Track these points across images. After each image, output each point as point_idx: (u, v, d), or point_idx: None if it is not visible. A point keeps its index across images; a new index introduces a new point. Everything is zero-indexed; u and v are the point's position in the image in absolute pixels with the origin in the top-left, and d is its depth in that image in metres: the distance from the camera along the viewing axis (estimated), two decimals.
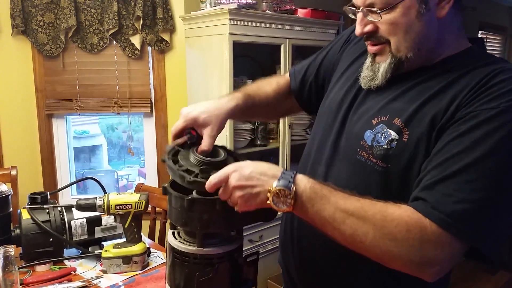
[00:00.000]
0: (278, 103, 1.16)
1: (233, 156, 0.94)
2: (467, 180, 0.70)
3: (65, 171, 2.59)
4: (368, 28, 0.84)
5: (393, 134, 0.80)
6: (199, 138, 0.93)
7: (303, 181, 0.76)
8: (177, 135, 0.94)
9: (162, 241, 1.71)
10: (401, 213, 0.72)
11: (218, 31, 2.15)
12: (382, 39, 0.84)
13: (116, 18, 2.31)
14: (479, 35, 5.16)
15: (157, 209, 1.80)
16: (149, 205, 1.75)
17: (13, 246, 0.97)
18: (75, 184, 2.72)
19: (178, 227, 0.91)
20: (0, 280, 0.90)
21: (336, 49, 1.10)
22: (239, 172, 0.76)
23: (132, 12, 2.33)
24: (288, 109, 1.22)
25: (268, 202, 0.76)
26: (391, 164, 0.81)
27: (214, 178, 0.77)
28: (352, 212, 0.74)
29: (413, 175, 0.79)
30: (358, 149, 0.85)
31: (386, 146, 0.81)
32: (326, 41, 2.47)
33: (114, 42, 2.42)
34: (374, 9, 0.80)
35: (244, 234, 0.95)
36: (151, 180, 2.60)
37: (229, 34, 2.09)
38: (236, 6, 2.08)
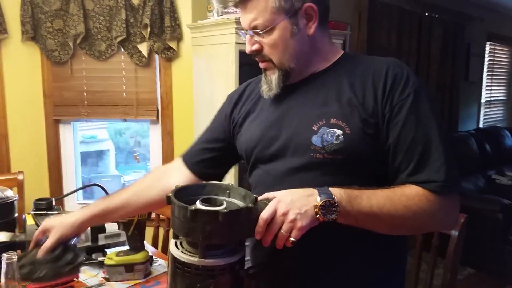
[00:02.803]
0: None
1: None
2: (432, 151, 0.92)
3: (71, 177, 2.61)
4: (255, 47, 1.03)
5: (337, 131, 0.96)
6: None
7: (336, 190, 0.88)
8: (35, 241, 1.17)
9: (165, 249, 1.71)
10: (416, 190, 0.91)
11: (225, 40, 2.16)
12: (266, 57, 1.03)
13: (124, 25, 2.34)
14: (487, 46, 5.15)
15: (161, 216, 1.80)
16: (153, 213, 1.75)
17: (16, 252, 0.97)
18: (81, 190, 2.73)
19: (181, 237, 0.91)
20: (2, 286, 0.90)
21: (222, 115, 1.26)
22: (283, 201, 0.86)
23: (140, 20, 2.35)
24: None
25: (318, 216, 0.85)
26: (345, 154, 0.96)
27: (265, 213, 0.85)
28: (384, 203, 0.89)
29: (364, 156, 0.96)
30: (312, 154, 0.98)
31: (336, 142, 0.96)
32: None
33: (122, 49, 2.44)
34: (258, 30, 0.99)
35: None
36: None
37: (235, 43, 2.10)
38: None
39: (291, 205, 0.85)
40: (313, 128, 0.99)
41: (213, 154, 1.22)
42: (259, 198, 0.91)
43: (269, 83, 1.05)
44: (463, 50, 4.58)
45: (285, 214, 0.84)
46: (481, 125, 5.25)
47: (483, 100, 5.29)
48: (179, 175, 1.22)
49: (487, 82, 5.31)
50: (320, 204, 0.85)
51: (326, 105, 1.01)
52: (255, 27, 1.00)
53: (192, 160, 1.23)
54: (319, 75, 1.06)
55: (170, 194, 0.86)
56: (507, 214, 3.14)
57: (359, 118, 0.96)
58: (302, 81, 1.07)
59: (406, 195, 0.91)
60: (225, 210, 0.80)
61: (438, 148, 0.93)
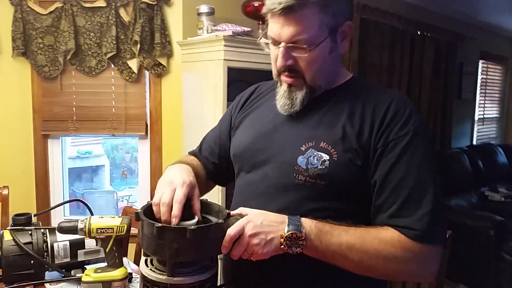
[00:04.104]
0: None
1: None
2: (418, 197, 0.88)
3: (58, 192, 2.59)
4: (290, 62, 0.95)
5: (324, 155, 0.93)
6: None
7: (308, 222, 0.86)
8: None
9: None
10: (392, 235, 0.87)
11: (214, 57, 2.17)
12: (298, 73, 0.97)
13: (114, 42, 2.36)
14: (480, 65, 5.19)
15: None
16: (135, 229, 1.73)
17: None
18: (68, 205, 2.72)
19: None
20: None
21: (228, 118, 1.22)
22: (253, 222, 0.85)
23: (130, 36, 2.37)
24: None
25: (282, 246, 0.84)
26: (328, 181, 0.92)
27: (232, 229, 0.84)
28: (354, 242, 0.86)
29: (348, 185, 0.93)
30: (294, 174, 0.95)
31: (320, 167, 0.92)
32: None
33: (112, 65, 2.45)
34: (304, 46, 0.92)
35: None
36: (144, 202, 2.58)
37: (224, 60, 2.11)
38: (231, 33, 2.11)
39: (260, 228, 0.84)
40: (301, 148, 0.96)
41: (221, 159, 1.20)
42: (233, 212, 0.90)
43: (293, 100, 0.99)
44: (456, 68, 4.61)
45: (251, 236, 0.84)
46: (474, 142, 5.26)
47: (476, 118, 5.32)
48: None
49: (480, 100, 5.34)
50: (286, 236, 0.83)
51: (320, 127, 0.97)
52: (296, 42, 0.92)
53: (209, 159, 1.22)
54: (322, 96, 1.01)
55: (139, 211, 0.86)
56: (500, 230, 3.13)
57: (349, 147, 0.92)
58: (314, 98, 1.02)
59: (380, 238, 0.87)
60: (192, 227, 0.80)
61: (426, 195, 0.88)
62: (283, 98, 1.00)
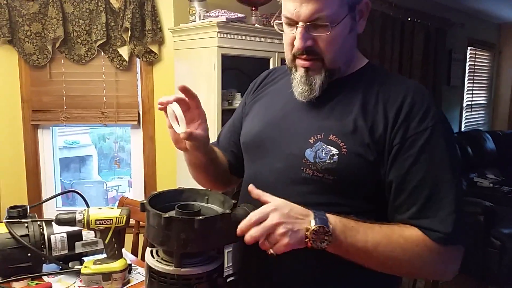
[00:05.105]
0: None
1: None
2: (440, 197, 0.84)
3: (50, 183, 2.55)
4: (309, 43, 0.88)
5: (332, 149, 0.88)
6: None
7: (332, 217, 0.81)
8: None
9: (145, 257, 1.68)
10: (416, 234, 0.84)
11: (207, 43, 2.14)
12: (317, 55, 0.90)
13: (104, 29, 2.30)
14: (468, 51, 5.23)
15: (141, 223, 1.77)
16: (132, 219, 1.72)
17: None
18: (60, 196, 2.68)
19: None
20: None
21: (240, 109, 1.18)
22: (280, 211, 0.79)
23: (121, 23, 2.32)
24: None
25: (306, 240, 0.78)
26: (337, 176, 0.88)
27: (256, 215, 0.79)
28: (380, 240, 0.82)
29: (357, 180, 0.88)
30: (302, 167, 0.90)
31: (329, 161, 0.88)
32: None
33: (102, 53, 2.40)
34: (326, 23, 0.85)
35: None
36: (138, 193, 2.57)
37: (218, 47, 2.08)
38: (224, 20, 2.07)
39: (287, 218, 0.78)
40: (310, 140, 0.90)
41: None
42: (256, 191, 0.85)
43: (312, 85, 0.92)
44: (445, 55, 4.64)
45: (277, 225, 0.77)
46: (463, 129, 5.32)
47: (464, 104, 5.37)
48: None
49: (468, 87, 5.39)
50: (313, 229, 0.78)
51: (330, 118, 0.92)
52: (316, 20, 0.85)
53: (227, 150, 1.18)
54: (335, 84, 0.94)
55: (145, 201, 0.84)
56: (489, 216, 3.18)
57: (360, 142, 0.87)
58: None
59: (405, 237, 0.83)
60: (200, 217, 0.78)
61: (448, 194, 0.84)
62: (300, 84, 0.93)
